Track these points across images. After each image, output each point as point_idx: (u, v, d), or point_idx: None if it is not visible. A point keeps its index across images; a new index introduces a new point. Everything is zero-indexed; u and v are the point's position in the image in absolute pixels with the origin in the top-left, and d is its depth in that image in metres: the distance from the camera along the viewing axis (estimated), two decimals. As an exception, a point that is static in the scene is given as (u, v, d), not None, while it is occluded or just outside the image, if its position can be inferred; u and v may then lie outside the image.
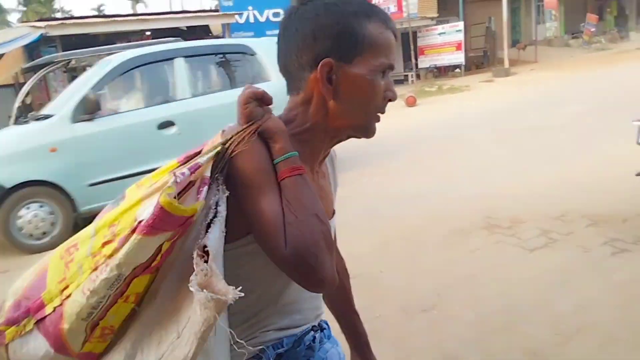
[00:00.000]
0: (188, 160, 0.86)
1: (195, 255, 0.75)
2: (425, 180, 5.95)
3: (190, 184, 0.82)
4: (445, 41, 19.61)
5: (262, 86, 0.98)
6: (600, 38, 24.67)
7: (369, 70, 0.93)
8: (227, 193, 0.86)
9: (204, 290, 0.72)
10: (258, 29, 16.95)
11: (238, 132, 0.89)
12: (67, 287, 0.81)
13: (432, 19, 20.26)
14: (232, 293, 0.72)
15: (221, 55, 6.25)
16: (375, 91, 0.96)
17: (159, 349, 0.79)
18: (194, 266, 0.74)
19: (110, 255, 0.77)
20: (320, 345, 1.09)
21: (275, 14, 17.14)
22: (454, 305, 3.01)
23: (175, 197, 0.76)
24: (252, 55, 6.04)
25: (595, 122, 7.40)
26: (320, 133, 0.98)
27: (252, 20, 16.84)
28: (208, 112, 5.41)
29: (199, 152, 0.88)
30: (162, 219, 0.74)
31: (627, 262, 3.25)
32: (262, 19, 17.07)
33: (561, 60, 20.23)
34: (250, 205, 0.87)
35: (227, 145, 0.88)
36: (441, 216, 4.52)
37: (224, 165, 0.87)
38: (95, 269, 0.78)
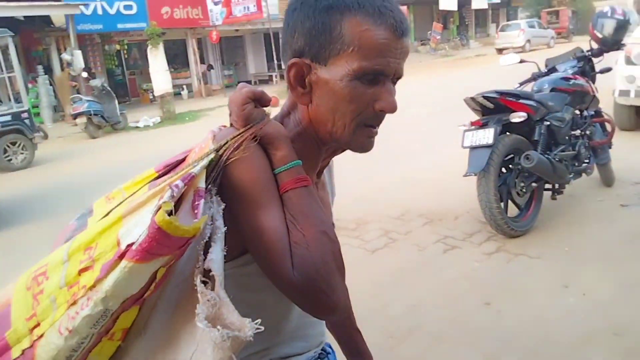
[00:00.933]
0: (169, 170, 0.78)
1: (198, 282, 0.64)
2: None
3: (180, 198, 0.69)
4: (307, 43, 19.98)
5: None
6: (445, 45, 27.03)
7: (342, 74, 0.79)
8: (222, 205, 0.75)
9: (216, 326, 0.60)
10: (107, 21, 15.75)
11: (234, 137, 0.79)
12: (37, 325, 0.68)
13: (293, 20, 20.52)
14: (249, 327, 0.61)
15: None
16: (352, 99, 0.80)
17: None
18: (199, 296, 0.63)
19: (92, 287, 0.64)
20: None
21: (127, 7, 16.06)
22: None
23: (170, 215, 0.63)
24: None
25: (436, 125, 7.97)
26: (310, 140, 0.87)
27: (100, 12, 15.57)
28: None
29: (183, 160, 0.80)
30: (159, 242, 0.61)
31: (457, 258, 3.45)
32: (112, 12, 15.85)
33: (411, 65, 21.69)
34: (249, 222, 0.77)
35: (222, 151, 0.77)
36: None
37: (218, 174, 0.76)
38: (74, 303, 0.65)
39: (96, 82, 11.80)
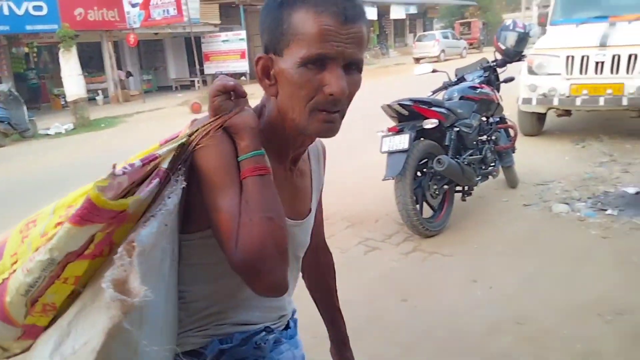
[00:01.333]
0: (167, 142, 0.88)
1: (121, 248, 0.74)
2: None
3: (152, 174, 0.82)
4: (230, 49, 19.78)
5: None
6: (366, 54, 27.75)
7: (293, 63, 0.86)
8: (183, 184, 0.86)
9: (115, 287, 0.70)
10: (15, 22, 14.77)
11: (204, 125, 0.89)
12: (16, 262, 0.83)
13: (215, 25, 20.28)
14: (142, 295, 0.70)
15: None
16: (302, 85, 0.87)
17: (89, 333, 0.75)
18: (115, 260, 0.73)
19: (50, 239, 0.76)
20: (275, 346, 1.06)
21: (37, 7, 15.11)
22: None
23: (125, 190, 0.77)
24: None
25: (358, 132, 8.19)
26: (280, 130, 0.95)
27: (6, 12, 14.57)
28: None
29: (176, 137, 0.89)
30: (90, 211, 0.72)
31: (377, 259, 3.61)
32: (19, 12, 14.87)
33: (334, 72, 22.13)
34: (209, 202, 0.87)
35: (192, 137, 0.88)
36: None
37: (187, 157, 0.88)
38: (37, 249, 0.78)
39: (3, 87, 11.04)
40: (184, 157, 0.88)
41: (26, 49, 16.60)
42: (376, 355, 2.51)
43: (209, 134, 0.89)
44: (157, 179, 0.83)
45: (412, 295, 3.04)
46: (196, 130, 0.89)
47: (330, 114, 0.90)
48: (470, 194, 4.17)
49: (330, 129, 0.92)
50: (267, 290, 0.90)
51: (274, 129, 0.95)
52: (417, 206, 3.71)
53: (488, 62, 4.70)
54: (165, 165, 0.84)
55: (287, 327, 1.12)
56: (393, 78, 16.78)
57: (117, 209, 0.75)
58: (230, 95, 0.92)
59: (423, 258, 3.53)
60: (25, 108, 11.01)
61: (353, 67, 0.90)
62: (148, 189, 0.81)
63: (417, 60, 23.80)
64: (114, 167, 0.77)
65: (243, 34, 19.81)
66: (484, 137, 4.29)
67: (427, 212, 3.93)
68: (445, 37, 26.24)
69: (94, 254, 0.79)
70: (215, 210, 0.87)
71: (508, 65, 4.69)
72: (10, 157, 8.88)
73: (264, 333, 1.04)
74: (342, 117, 0.94)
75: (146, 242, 0.77)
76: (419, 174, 3.86)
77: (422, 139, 3.80)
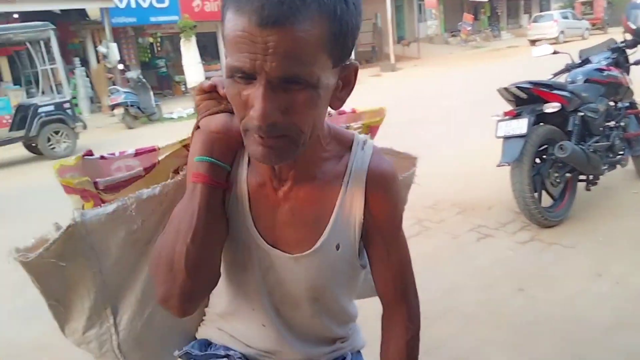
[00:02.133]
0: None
1: (76, 213, 0.83)
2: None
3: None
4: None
5: None
6: (475, 37, 26.66)
7: (226, 74, 0.73)
8: (176, 179, 0.92)
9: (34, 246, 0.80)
10: (141, 15, 16.09)
11: (194, 126, 0.89)
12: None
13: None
14: (24, 257, 0.78)
15: None
16: (232, 100, 0.74)
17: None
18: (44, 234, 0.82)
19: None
20: None
21: (160, 0, 16.36)
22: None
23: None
24: None
25: (467, 116, 7.98)
26: None
27: (133, 5, 15.91)
28: None
29: None
30: (65, 187, 0.86)
31: (490, 246, 3.53)
32: (144, 5, 16.19)
33: (441, 56, 21.55)
34: None
35: (189, 138, 0.91)
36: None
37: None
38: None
39: (132, 75, 12.13)
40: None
41: (150, 39, 17.96)
42: (488, 340, 2.48)
43: (193, 134, 0.88)
44: (140, 169, 0.91)
45: (529, 285, 2.95)
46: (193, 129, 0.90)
47: (264, 138, 0.72)
48: (596, 183, 3.92)
49: (266, 155, 0.74)
50: (161, 302, 0.84)
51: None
52: (535, 194, 3.57)
53: (616, 43, 4.35)
54: (160, 158, 0.92)
55: None
56: (505, 61, 15.97)
57: (77, 187, 0.86)
58: (211, 95, 0.85)
59: (541, 248, 3.40)
60: (152, 94, 12.02)
61: (293, 82, 0.68)
62: (122, 175, 0.90)
63: (533, 42, 22.37)
64: (89, 152, 0.89)
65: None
66: (612, 123, 3.99)
67: (546, 201, 3.76)
68: (565, 18, 24.37)
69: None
70: None
71: (639, 46, 4.31)
72: (141, 137, 9.75)
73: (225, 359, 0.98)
74: (296, 141, 0.74)
75: (80, 218, 0.83)
76: (537, 160, 3.70)
77: (541, 123, 3.63)
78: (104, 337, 0.88)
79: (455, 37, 27.13)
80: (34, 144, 9.09)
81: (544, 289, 2.89)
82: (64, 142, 9.03)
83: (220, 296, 0.97)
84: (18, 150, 9.54)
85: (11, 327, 3.06)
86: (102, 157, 0.90)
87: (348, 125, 1.14)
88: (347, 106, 0.91)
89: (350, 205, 0.89)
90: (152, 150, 0.91)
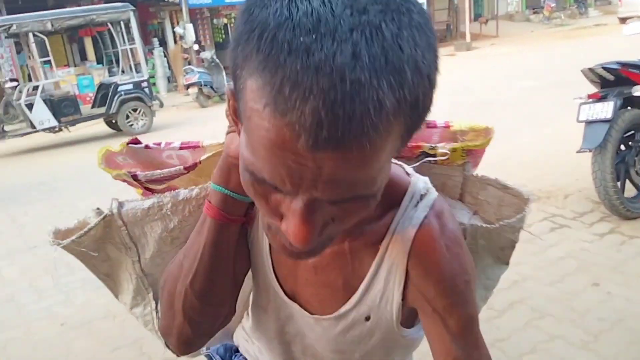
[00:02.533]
0: None
1: (113, 204, 0.81)
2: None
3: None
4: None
5: None
6: (560, 14, 25.08)
7: (243, 157, 0.52)
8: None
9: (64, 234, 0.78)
10: (217, -4, 16.45)
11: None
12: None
13: None
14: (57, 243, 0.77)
15: None
16: (253, 196, 0.54)
17: None
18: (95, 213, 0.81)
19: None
20: None
21: (235, -19, 16.63)
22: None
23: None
24: None
25: (546, 98, 7.54)
26: None
27: (211, -14, 16.30)
28: None
29: None
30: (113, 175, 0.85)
31: (565, 238, 3.33)
32: (220, -14, 16.53)
33: (521, 35, 20.47)
34: None
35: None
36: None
37: None
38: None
39: (206, 55, 12.46)
40: None
41: (225, 20, 18.33)
42: (557, 336, 2.35)
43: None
44: (180, 167, 0.83)
45: (606, 280, 2.75)
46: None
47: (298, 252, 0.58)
48: (687, 173, 3.58)
49: (296, 258, 0.59)
50: (161, 334, 0.82)
51: None
52: (619, 183, 3.31)
53: None
54: (202, 157, 0.83)
55: None
56: (592, 41, 14.92)
57: (119, 177, 0.83)
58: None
59: (621, 242, 3.16)
60: (224, 74, 12.30)
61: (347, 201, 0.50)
62: (162, 171, 0.83)
63: (623, 20, 20.64)
64: (135, 140, 0.88)
65: None
66: None
67: (629, 191, 3.49)
68: (662, -8, 22.33)
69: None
70: None
71: None
72: (213, 116, 10.02)
73: None
74: (331, 239, 0.57)
75: (125, 212, 0.80)
76: (622, 147, 3.43)
77: (628, 108, 3.35)
78: (147, 317, 0.88)
79: (537, 14, 25.62)
80: (114, 121, 9.60)
81: (622, 285, 2.70)
82: (142, 119, 9.47)
83: (249, 312, 0.91)
84: (99, 126, 10.13)
85: (83, 294, 3.27)
86: (146, 147, 0.88)
87: (433, 145, 0.85)
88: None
89: (385, 278, 0.70)
90: (197, 146, 0.86)
